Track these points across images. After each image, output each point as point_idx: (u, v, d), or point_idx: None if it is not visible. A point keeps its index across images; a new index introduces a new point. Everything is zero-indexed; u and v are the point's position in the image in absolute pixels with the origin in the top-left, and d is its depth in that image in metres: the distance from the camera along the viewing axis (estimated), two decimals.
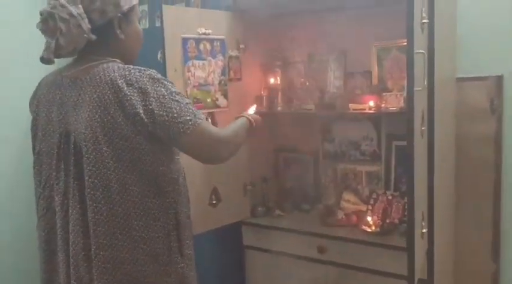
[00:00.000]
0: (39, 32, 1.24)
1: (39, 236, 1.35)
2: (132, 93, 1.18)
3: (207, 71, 2.10)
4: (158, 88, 1.22)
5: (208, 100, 2.11)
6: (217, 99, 2.14)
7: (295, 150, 2.51)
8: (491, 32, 1.99)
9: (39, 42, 1.28)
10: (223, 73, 2.16)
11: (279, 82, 2.37)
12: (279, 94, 2.34)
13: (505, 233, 2.03)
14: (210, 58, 2.11)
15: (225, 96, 2.17)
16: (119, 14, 1.27)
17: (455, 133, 2.03)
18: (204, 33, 2.08)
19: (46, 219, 1.32)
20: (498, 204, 2.02)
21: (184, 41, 2.01)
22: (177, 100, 1.24)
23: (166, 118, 1.21)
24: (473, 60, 2.02)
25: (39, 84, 1.37)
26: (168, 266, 1.29)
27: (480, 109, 2.02)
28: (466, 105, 2.04)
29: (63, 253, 1.27)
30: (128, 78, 1.20)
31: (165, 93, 1.22)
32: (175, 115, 1.22)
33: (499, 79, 1.98)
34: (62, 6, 1.19)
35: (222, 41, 2.15)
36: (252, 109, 1.80)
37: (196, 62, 2.05)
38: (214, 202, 2.16)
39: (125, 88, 1.18)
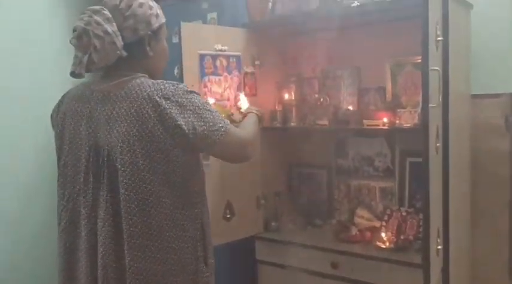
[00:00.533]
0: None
1: (60, 249, 1.37)
2: (170, 107, 1.22)
3: (223, 86, 2.14)
4: (193, 101, 1.27)
5: (224, 115, 2.13)
6: (232, 114, 2.17)
7: (309, 165, 2.53)
8: (506, 50, 2.00)
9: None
10: (238, 89, 2.20)
11: (293, 98, 2.39)
12: (293, 109, 2.36)
13: None
14: (226, 74, 2.15)
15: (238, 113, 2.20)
16: (149, 32, 1.32)
17: (470, 150, 2.03)
18: (221, 50, 2.13)
19: (68, 232, 1.34)
20: None
21: (201, 57, 2.05)
22: (209, 110, 1.30)
23: (205, 128, 1.26)
24: (488, 78, 2.03)
25: (64, 97, 1.41)
26: (195, 276, 1.33)
27: (495, 126, 2.02)
28: (481, 121, 2.04)
29: (88, 266, 1.28)
30: (164, 92, 1.24)
31: (199, 105, 1.28)
32: (211, 123, 1.28)
33: None
34: (98, 23, 1.24)
35: (238, 57, 2.19)
36: (244, 101, 1.98)
37: (212, 78, 2.09)
38: (228, 216, 2.17)
39: (163, 102, 1.22)
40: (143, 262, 1.24)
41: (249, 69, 2.25)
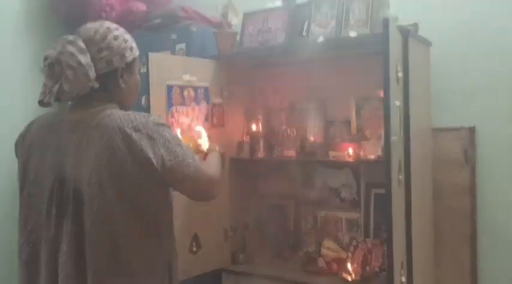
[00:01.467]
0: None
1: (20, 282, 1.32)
2: (140, 139, 1.21)
3: (190, 117, 2.14)
4: (163, 133, 1.26)
5: (191, 144, 2.13)
6: (200, 145, 2.16)
7: (277, 196, 2.53)
8: (465, 86, 2.09)
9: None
10: (206, 119, 2.20)
11: (260, 129, 2.42)
12: (261, 141, 2.38)
13: (481, 279, 2.05)
14: (193, 104, 2.15)
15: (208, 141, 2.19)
16: (123, 65, 1.32)
17: (432, 182, 2.08)
18: (189, 81, 2.14)
19: (29, 266, 1.29)
20: (475, 252, 2.05)
21: (169, 87, 2.05)
22: (179, 145, 1.29)
23: (174, 163, 1.25)
24: (448, 112, 2.11)
25: (30, 126, 1.38)
26: None
27: (455, 159, 2.09)
28: (442, 154, 2.11)
29: None
30: (135, 124, 1.23)
31: (170, 138, 1.27)
32: (180, 159, 1.26)
33: (472, 130, 2.06)
34: (71, 53, 1.23)
35: (206, 88, 2.21)
36: (205, 140, 1.93)
37: (180, 108, 2.09)
38: (194, 249, 2.14)
39: (134, 134, 1.21)
40: None
41: (217, 100, 2.27)
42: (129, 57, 1.34)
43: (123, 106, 1.35)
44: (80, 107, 1.30)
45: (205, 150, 1.83)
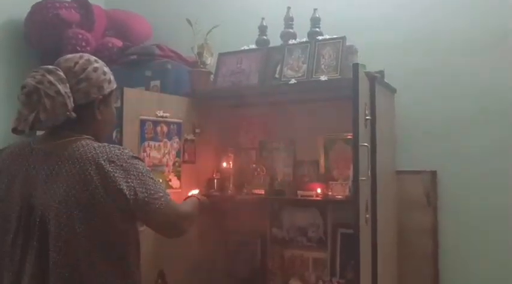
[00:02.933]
0: None
1: None
2: (114, 170, 1.21)
3: (162, 152, 2.15)
4: (137, 166, 1.27)
5: (161, 180, 2.14)
6: (170, 180, 2.17)
7: (244, 234, 2.53)
8: (426, 131, 2.20)
9: None
10: (177, 155, 2.22)
11: (231, 167, 2.44)
12: (231, 178, 2.40)
13: None
14: (166, 140, 2.17)
15: (178, 177, 2.21)
16: (100, 96, 1.33)
17: (397, 223, 2.15)
18: (162, 116, 2.16)
19: None
20: None
21: (143, 122, 2.07)
22: (152, 178, 1.31)
23: (146, 195, 1.26)
24: (411, 156, 2.21)
25: (0, 153, 1.36)
26: None
27: (418, 201, 2.17)
28: (406, 196, 2.19)
29: None
30: (110, 156, 1.23)
31: (143, 171, 1.28)
32: (152, 192, 1.28)
33: (433, 174, 2.16)
34: (50, 83, 1.23)
35: (178, 124, 2.24)
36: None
37: (152, 143, 2.11)
38: None
39: (108, 165, 1.21)
40: None
41: (189, 137, 2.29)
42: (107, 89, 1.36)
43: (98, 138, 1.36)
44: (54, 136, 1.30)
45: (188, 194, 1.94)
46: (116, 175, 1.21)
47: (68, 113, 1.25)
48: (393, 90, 2.17)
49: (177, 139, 2.22)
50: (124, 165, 1.24)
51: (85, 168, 1.20)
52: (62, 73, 1.27)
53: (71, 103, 1.25)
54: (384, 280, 1.85)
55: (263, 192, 2.29)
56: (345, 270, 2.20)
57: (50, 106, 1.22)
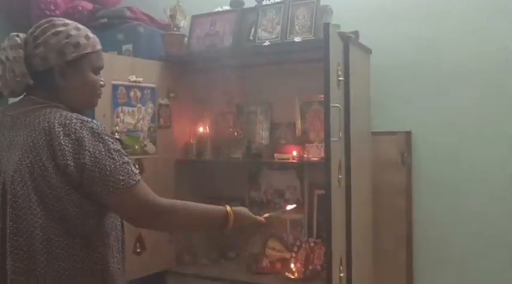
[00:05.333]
0: None
1: None
2: (66, 144, 1.15)
3: (136, 117, 2.13)
4: (96, 143, 1.17)
5: (137, 146, 2.13)
6: (145, 146, 2.16)
7: (223, 198, 2.53)
8: (402, 92, 2.21)
9: None
10: (152, 120, 2.20)
11: (208, 131, 2.43)
12: (208, 143, 2.40)
13: (417, 277, 2.16)
14: (140, 105, 2.14)
15: (154, 142, 2.19)
16: (63, 62, 1.25)
17: (371, 183, 2.18)
18: (135, 81, 2.13)
19: None
20: (410, 250, 2.16)
21: (115, 87, 2.04)
22: (113, 158, 1.18)
23: (97, 175, 1.16)
24: (386, 117, 2.22)
25: None
26: None
27: (392, 162, 2.20)
28: (381, 157, 2.21)
29: None
30: (67, 128, 1.16)
31: (102, 149, 1.18)
32: (108, 173, 1.16)
33: (408, 134, 2.18)
34: (3, 49, 1.20)
35: (152, 89, 2.20)
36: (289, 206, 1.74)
37: (125, 108, 2.08)
38: (138, 250, 2.11)
39: (61, 137, 1.15)
40: None
41: (164, 101, 2.27)
42: (72, 54, 1.25)
43: (74, 108, 1.28)
44: (22, 104, 1.26)
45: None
46: (66, 148, 1.14)
47: (18, 79, 1.20)
48: (368, 51, 2.16)
49: (151, 104, 2.20)
50: (80, 139, 1.16)
51: (39, 137, 1.16)
52: (19, 39, 1.22)
53: (20, 69, 1.20)
54: (357, 238, 1.89)
55: (240, 156, 2.30)
56: (321, 230, 2.24)
57: (1, 72, 1.20)
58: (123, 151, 1.23)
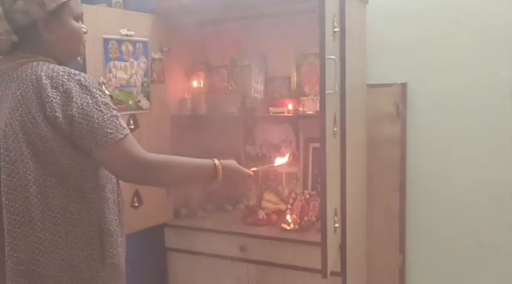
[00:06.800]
0: None
1: None
2: (54, 96, 1.15)
3: (129, 72, 2.09)
4: (84, 96, 1.17)
5: (130, 102, 2.11)
6: (139, 101, 2.14)
7: (218, 153, 2.54)
8: (398, 43, 2.17)
9: None
10: (145, 75, 2.17)
11: (202, 86, 2.41)
12: (203, 97, 2.38)
13: (409, 227, 2.22)
14: (132, 60, 2.11)
15: (148, 98, 2.18)
16: (45, 14, 1.23)
17: (366, 136, 2.19)
18: (127, 35, 2.08)
19: None
20: (404, 200, 2.20)
21: (106, 41, 1.99)
22: (101, 111, 1.18)
23: (85, 128, 1.16)
24: (381, 68, 2.20)
25: None
26: (85, 274, 1.25)
27: (387, 114, 2.20)
28: (375, 109, 2.21)
29: None
30: (55, 80, 1.16)
31: (90, 102, 1.17)
32: (95, 125, 1.17)
33: (403, 86, 2.17)
34: None
35: (145, 43, 2.16)
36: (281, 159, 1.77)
37: (117, 63, 2.04)
38: (136, 204, 2.15)
39: (49, 89, 1.15)
40: (24, 252, 1.17)
41: (157, 56, 2.23)
42: (51, 4, 1.23)
43: (61, 61, 1.27)
44: (10, 58, 1.24)
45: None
46: (54, 100, 1.15)
47: (2, 37, 1.19)
48: (364, 1, 2.10)
49: (144, 59, 2.16)
50: (68, 91, 1.16)
51: (28, 90, 1.16)
52: None
53: (3, 26, 1.18)
54: (352, 189, 1.92)
55: (235, 111, 2.29)
56: (316, 183, 2.28)
57: None
58: (112, 105, 1.22)
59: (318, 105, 2.04)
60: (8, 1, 1.20)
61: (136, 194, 2.14)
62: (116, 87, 2.03)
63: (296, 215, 2.16)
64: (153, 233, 2.28)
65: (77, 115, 1.16)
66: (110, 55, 2.01)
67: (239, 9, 2.22)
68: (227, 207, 2.43)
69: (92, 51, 1.92)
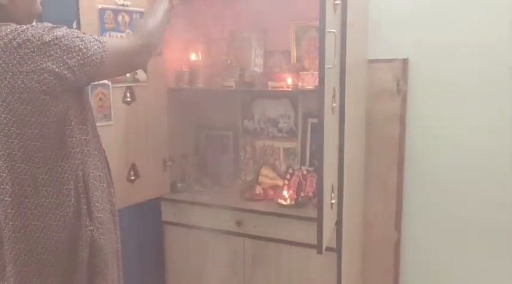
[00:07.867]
0: None
1: None
2: (32, 51, 1.15)
3: None
4: (56, 34, 1.19)
5: (128, 75, 2.07)
6: (136, 73, 2.10)
7: (216, 127, 2.54)
8: (399, 18, 2.13)
9: None
10: None
11: (200, 59, 2.37)
12: (201, 70, 2.34)
13: (406, 203, 2.21)
14: (128, 30, 2.06)
15: (145, 70, 2.14)
16: None
17: (365, 111, 2.16)
18: (123, 5, 2.03)
19: None
20: (401, 176, 2.19)
21: (101, 11, 1.94)
22: (78, 37, 1.22)
23: (79, 58, 1.20)
24: (383, 44, 2.15)
25: None
26: (77, 230, 1.28)
27: (387, 90, 2.17)
28: (375, 85, 2.18)
29: None
30: (23, 36, 1.17)
31: (64, 35, 1.20)
32: (84, 50, 1.21)
33: (405, 62, 2.13)
34: None
35: (141, 13, 2.11)
36: None
37: (114, 34, 2.00)
38: (132, 178, 2.14)
39: (23, 46, 1.15)
40: (19, 220, 1.19)
41: None
42: None
43: (19, 22, 1.26)
44: None
45: None
46: (34, 55, 1.15)
47: None
48: None
49: None
50: (41, 40, 1.17)
51: None
52: None
53: None
54: (350, 165, 1.91)
55: (233, 84, 2.26)
56: (314, 158, 2.26)
57: None
58: (77, 31, 1.27)
59: (318, 80, 2.02)
60: None
61: (133, 167, 2.13)
62: None
63: (293, 191, 2.15)
64: (149, 207, 2.28)
65: (65, 54, 1.18)
66: (106, 25, 1.96)
67: None
68: (224, 181, 2.43)
69: (88, 21, 1.88)
